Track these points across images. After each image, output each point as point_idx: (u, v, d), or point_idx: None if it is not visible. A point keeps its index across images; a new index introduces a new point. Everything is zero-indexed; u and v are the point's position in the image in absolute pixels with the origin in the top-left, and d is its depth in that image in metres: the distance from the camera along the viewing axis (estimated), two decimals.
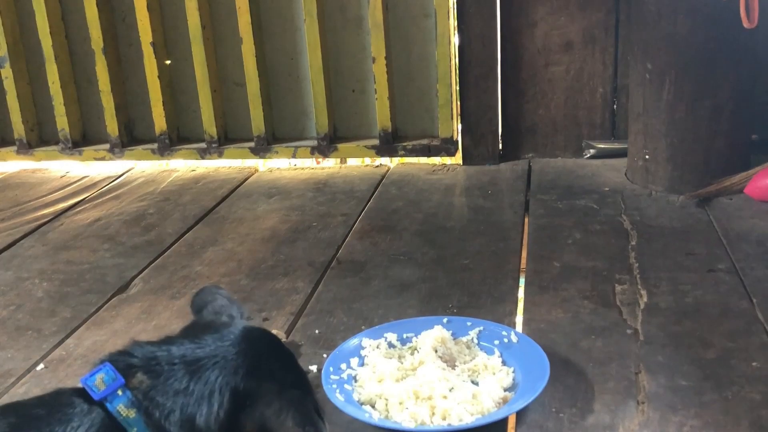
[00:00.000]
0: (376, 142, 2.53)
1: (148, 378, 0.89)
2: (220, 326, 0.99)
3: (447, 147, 2.49)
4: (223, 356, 0.92)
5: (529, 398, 1.19)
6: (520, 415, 1.21)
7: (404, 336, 1.40)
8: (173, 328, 1.55)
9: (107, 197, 2.41)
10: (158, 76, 2.57)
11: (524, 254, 1.83)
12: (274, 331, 1.44)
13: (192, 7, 2.48)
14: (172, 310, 1.64)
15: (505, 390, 1.24)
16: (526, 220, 2.03)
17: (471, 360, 1.33)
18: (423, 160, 2.58)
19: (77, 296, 1.74)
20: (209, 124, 2.59)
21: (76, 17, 2.61)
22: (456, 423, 1.16)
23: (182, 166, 2.69)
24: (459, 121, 2.49)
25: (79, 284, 1.80)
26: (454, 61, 2.46)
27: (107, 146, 2.68)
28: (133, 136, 2.72)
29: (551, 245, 1.84)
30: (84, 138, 2.75)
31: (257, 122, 2.56)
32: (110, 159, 2.68)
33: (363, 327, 1.49)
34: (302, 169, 2.62)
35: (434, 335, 1.36)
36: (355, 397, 1.25)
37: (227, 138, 2.66)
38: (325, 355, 1.37)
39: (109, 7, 2.60)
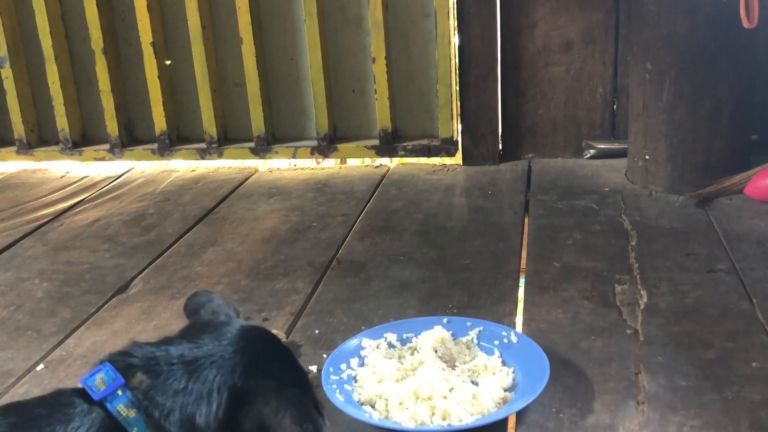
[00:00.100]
0: (376, 142, 2.53)
1: (147, 378, 0.89)
2: (219, 326, 0.99)
3: (447, 147, 2.49)
4: (220, 355, 0.92)
5: (529, 398, 1.19)
6: (520, 415, 1.21)
7: (404, 336, 1.40)
8: (173, 328, 1.55)
9: (107, 197, 2.41)
10: (158, 77, 2.57)
11: (524, 254, 1.83)
12: (273, 331, 1.44)
13: (192, 8, 2.48)
14: (172, 311, 1.64)
15: (505, 390, 1.24)
16: (526, 220, 2.03)
17: (471, 360, 1.33)
18: (423, 160, 2.58)
19: (77, 296, 1.74)
20: (209, 125, 2.59)
21: (76, 17, 2.61)
22: (456, 423, 1.16)
23: (182, 167, 2.69)
24: (459, 121, 2.49)
25: (79, 284, 1.80)
26: (454, 61, 2.46)
27: (107, 146, 2.68)
28: (133, 137, 2.72)
29: (551, 245, 1.84)
30: (84, 138, 2.75)
31: (257, 122, 2.56)
32: (110, 159, 2.68)
33: (363, 327, 1.49)
34: (302, 169, 2.62)
35: (434, 335, 1.36)
36: (355, 397, 1.25)
37: (227, 138, 2.66)
38: (325, 356, 1.37)
39: (109, 7, 2.59)
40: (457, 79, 2.47)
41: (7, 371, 1.43)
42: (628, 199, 2.10)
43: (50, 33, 2.59)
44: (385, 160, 2.62)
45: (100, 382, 0.87)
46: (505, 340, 1.37)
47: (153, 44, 2.53)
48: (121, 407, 0.86)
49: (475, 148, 2.49)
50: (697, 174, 2.08)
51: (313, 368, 1.35)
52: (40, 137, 2.78)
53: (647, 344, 1.39)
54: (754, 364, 1.31)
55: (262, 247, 1.95)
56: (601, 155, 2.43)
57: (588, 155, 2.45)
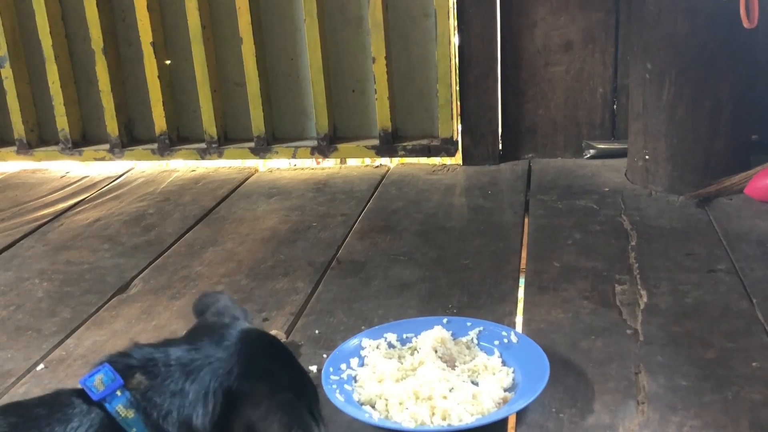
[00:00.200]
0: (376, 142, 2.53)
1: (146, 379, 0.89)
2: (220, 328, 0.99)
3: (447, 147, 2.49)
4: (218, 358, 0.92)
5: (529, 398, 1.19)
6: (520, 415, 1.21)
7: (404, 336, 1.40)
8: (173, 328, 1.56)
9: (107, 197, 2.41)
10: (158, 76, 2.57)
11: (524, 254, 1.83)
12: (273, 332, 1.45)
13: (192, 7, 2.48)
14: (172, 311, 1.64)
15: (505, 390, 1.24)
16: (526, 220, 2.03)
17: (471, 360, 1.33)
18: (423, 160, 2.58)
19: (77, 296, 1.74)
20: (209, 125, 2.59)
21: (76, 17, 2.61)
22: (456, 423, 1.16)
23: (182, 167, 2.69)
24: (459, 121, 2.49)
25: (79, 284, 1.80)
26: (454, 61, 2.46)
27: (107, 146, 2.68)
28: (133, 137, 2.72)
29: (551, 245, 1.84)
30: (84, 138, 2.75)
31: (257, 122, 2.56)
32: (110, 159, 2.68)
33: (363, 327, 1.49)
34: (302, 169, 2.62)
35: (434, 335, 1.36)
36: (355, 397, 1.25)
37: (227, 138, 2.66)
38: (325, 356, 1.37)
39: (109, 7, 2.60)
40: (457, 79, 2.47)
41: (7, 371, 1.43)
42: (628, 199, 2.10)
43: (50, 33, 2.59)
44: (385, 160, 2.62)
45: (99, 382, 0.88)
46: (505, 340, 1.37)
47: (153, 44, 2.53)
48: (120, 408, 0.86)
49: (475, 148, 2.49)
50: (697, 174, 2.08)
51: (313, 368, 1.35)
52: (40, 137, 2.78)
53: (647, 344, 1.39)
54: (754, 364, 1.31)
55: (262, 247, 1.95)
56: (601, 155, 2.43)
57: (588, 155, 2.45)
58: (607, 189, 2.18)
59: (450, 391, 1.23)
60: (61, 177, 2.65)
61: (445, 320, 1.42)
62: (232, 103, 2.63)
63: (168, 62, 2.61)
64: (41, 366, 1.44)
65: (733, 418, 1.18)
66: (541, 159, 2.49)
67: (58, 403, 0.89)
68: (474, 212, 2.11)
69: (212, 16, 2.55)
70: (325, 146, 2.54)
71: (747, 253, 1.72)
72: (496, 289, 1.65)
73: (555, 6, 2.37)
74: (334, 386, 1.25)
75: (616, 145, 2.41)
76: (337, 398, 1.22)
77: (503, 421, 1.19)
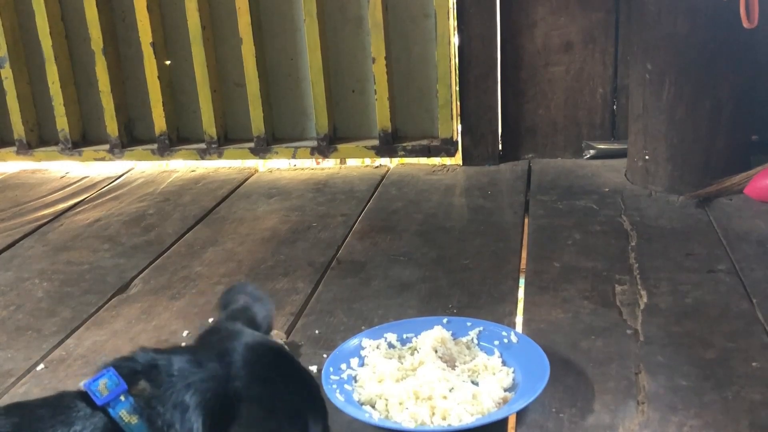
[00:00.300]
0: (375, 142, 2.53)
1: (150, 386, 0.88)
2: (228, 339, 0.96)
3: (447, 147, 2.49)
4: (219, 375, 0.90)
5: (529, 398, 1.19)
6: (520, 415, 1.21)
7: (404, 336, 1.40)
8: (173, 328, 1.56)
9: (107, 198, 2.41)
10: (158, 77, 2.57)
11: (524, 255, 1.83)
12: (273, 332, 1.44)
13: (192, 8, 2.48)
14: (172, 311, 1.64)
15: (505, 390, 1.24)
16: (526, 220, 2.03)
17: (471, 360, 1.33)
18: (423, 160, 2.58)
19: (77, 296, 1.74)
20: (209, 125, 2.59)
21: (76, 18, 2.61)
22: (456, 423, 1.16)
23: (182, 167, 2.69)
24: (459, 121, 2.49)
25: (79, 284, 1.80)
26: (454, 61, 2.46)
27: (107, 147, 2.68)
28: (133, 137, 2.72)
29: (551, 246, 1.84)
30: (84, 138, 2.75)
31: (257, 123, 2.56)
32: (110, 159, 2.68)
33: (363, 327, 1.49)
34: (302, 169, 2.62)
35: (434, 335, 1.36)
36: (355, 397, 1.25)
37: (227, 138, 2.66)
38: (325, 356, 1.37)
39: (109, 8, 2.60)
40: (457, 80, 2.47)
41: (7, 371, 1.43)
42: (628, 199, 2.10)
43: (50, 33, 2.59)
44: (385, 161, 2.62)
45: (103, 387, 0.87)
46: (505, 340, 1.37)
47: (153, 44, 2.53)
48: (124, 413, 0.86)
49: (475, 149, 2.49)
50: (697, 174, 2.08)
51: (314, 368, 1.35)
52: (40, 137, 2.78)
53: (647, 344, 1.39)
54: (754, 364, 1.31)
55: (262, 247, 1.95)
56: (601, 155, 2.43)
57: (588, 155, 2.45)
58: (607, 189, 2.18)
59: (450, 391, 1.23)
60: (61, 177, 2.65)
61: (445, 320, 1.43)
62: (232, 104, 2.63)
63: (168, 62, 2.61)
64: (41, 366, 1.45)
65: (733, 418, 1.18)
66: (541, 159, 2.49)
67: (61, 405, 0.89)
68: (474, 212, 2.11)
69: (212, 17, 2.55)
70: (325, 146, 2.54)
71: (747, 253, 1.72)
72: (496, 289, 1.65)
73: (555, 6, 2.37)
74: (334, 386, 1.25)
75: (616, 146, 2.41)
76: (338, 398, 1.22)
77: (503, 421, 1.20)
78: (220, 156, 2.62)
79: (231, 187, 2.43)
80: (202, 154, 2.62)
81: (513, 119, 2.49)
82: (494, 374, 1.28)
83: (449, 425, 1.16)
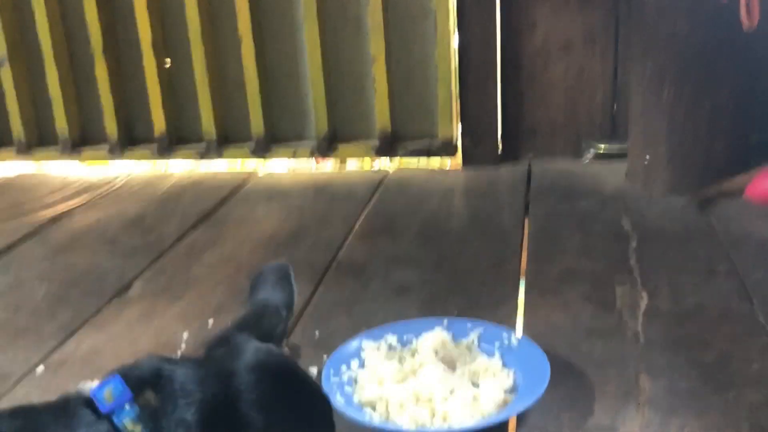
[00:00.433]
0: (375, 143, 2.52)
1: (155, 398, 0.87)
2: (237, 354, 0.94)
3: (446, 148, 2.48)
4: (217, 395, 0.88)
5: (529, 401, 1.19)
6: (521, 417, 1.21)
7: (404, 338, 1.40)
8: (173, 330, 1.56)
9: (106, 199, 2.41)
10: (158, 77, 2.57)
11: (524, 256, 1.83)
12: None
13: (192, 8, 2.48)
14: (172, 313, 1.63)
15: (506, 392, 1.24)
16: (526, 222, 2.02)
17: (471, 362, 1.33)
18: (423, 161, 2.58)
19: (77, 298, 1.73)
20: (208, 125, 2.59)
21: (75, 18, 2.61)
22: (456, 425, 1.16)
23: (182, 169, 2.69)
24: (458, 122, 2.49)
25: (78, 286, 1.80)
26: (454, 61, 2.46)
27: (107, 147, 2.68)
28: (132, 137, 2.72)
29: (551, 247, 1.84)
30: (83, 139, 2.75)
31: (256, 123, 2.56)
32: (109, 160, 2.68)
33: (363, 329, 1.48)
34: (302, 170, 2.62)
35: (434, 337, 1.36)
36: (355, 399, 1.25)
37: (227, 139, 2.65)
38: (325, 357, 1.37)
39: (109, 8, 2.59)
40: (457, 80, 2.47)
41: (6, 373, 1.43)
42: (628, 201, 2.10)
43: (50, 33, 2.59)
44: (384, 161, 2.62)
45: (108, 395, 0.87)
46: (506, 342, 1.36)
47: (153, 45, 2.53)
48: (128, 422, 0.86)
49: (475, 149, 2.48)
50: (697, 176, 2.08)
51: (314, 370, 1.35)
52: (39, 138, 2.78)
53: (648, 346, 1.38)
54: (754, 366, 1.31)
55: (262, 249, 1.95)
56: (601, 157, 2.43)
57: (588, 157, 2.45)
58: (607, 191, 2.18)
59: (450, 393, 1.22)
60: (61, 179, 2.65)
61: (445, 322, 1.42)
62: (232, 104, 2.62)
63: (167, 63, 2.60)
64: (41, 368, 1.44)
65: (734, 420, 1.18)
66: (540, 160, 2.49)
67: (65, 411, 0.88)
68: (474, 214, 2.11)
69: (212, 17, 2.54)
70: (325, 147, 2.54)
71: (748, 255, 1.72)
72: (496, 291, 1.64)
73: (555, 6, 2.37)
74: (335, 388, 1.25)
75: (616, 147, 2.40)
76: (338, 400, 1.22)
77: (504, 424, 1.19)
78: (219, 156, 2.61)
79: (231, 189, 2.43)
80: (202, 155, 2.62)
81: (513, 120, 2.49)
82: (495, 376, 1.28)
83: (450, 427, 1.16)
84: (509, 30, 2.41)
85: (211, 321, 1.57)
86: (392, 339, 1.40)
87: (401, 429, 1.16)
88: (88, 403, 0.88)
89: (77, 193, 2.47)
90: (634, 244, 1.82)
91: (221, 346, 0.96)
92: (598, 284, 1.63)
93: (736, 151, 2.09)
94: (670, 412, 1.20)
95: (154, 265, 1.89)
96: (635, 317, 1.49)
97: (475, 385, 1.27)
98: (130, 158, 2.68)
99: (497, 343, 1.37)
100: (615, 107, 2.42)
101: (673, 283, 1.61)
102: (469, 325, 1.42)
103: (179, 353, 1.46)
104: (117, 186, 2.53)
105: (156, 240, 2.05)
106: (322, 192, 2.36)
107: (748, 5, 1.75)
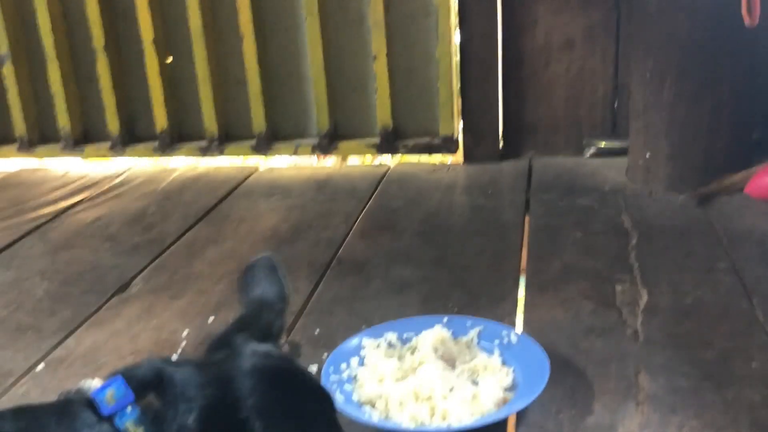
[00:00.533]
0: (376, 140, 2.53)
1: (156, 400, 0.87)
2: (237, 357, 0.94)
3: (448, 145, 2.48)
4: (217, 400, 0.88)
5: (529, 399, 1.19)
6: (520, 415, 1.21)
7: (404, 336, 1.40)
8: (173, 328, 1.56)
9: (108, 196, 2.41)
10: (159, 74, 2.57)
11: (524, 254, 1.83)
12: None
13: (193, 5, 2.48)
14: (172, 310, 1.64)
15: (505, 390, 1.24)
16: (527, 219, 2.03)
17: (471, 360, 1.33)
18: (424, 158, 2.58)
19: (77, 296, 1.74)
20: (210, 122, 2.59)
21: (77, 15, 2.61)
22: (456, 423, 1.16)
23: (183, 165, 2.69)
24: (460, 119, 2.49)
25: (79, 284, 1.80)
26: (455, 59, 2.46)
27: (108, 144, 2.69)
28: (134, 134, 2.72)
29: (551, 245, 1.84)
30: (85, 136, 2.75)
31: (258, 120, 2.56)
32: (111, 157, 2.68)
33: (363, 327, 1.48)
34: (303, 167, 2.62)
35: (434, 335, 1.36)
36: (355, 397, 1.25)
37: (228, 136, 2.65)
38: (325, 355, 1.37)
39: (111, 5, 2.59)
40: (458, 77, 2.47)
41: (7, 371, 1.43)
42: (628, 198, 2.10)
43: (52, 31, 2.59)
44: (385, 158, 2.62)
45: (110, 397, 0.87)
46: (505, 340, 1.37)
47: (154, 42, 2.53)
48: (130, 424, 0.86)
49: (476, 147, 2.48)
50: (698, 173, 2.08)
51: (314, 368, 1.35)
52: (41, 135, 2.78)
53: (647, 344, 1.39)
54: (753, 364, 1.31)
55: (262, 245, 1.95)
56: (602, 154, 2.43)
57: (589, 154, 2.45)
58: (607, 188, 2.18)
59: (450, 390, 1.23)
60: (62, 175, 2.65)
61: (445, 319, 1.42)
62: (233, 101, 2.62)
63: (169, 60, 2.60)
64: (41, 366, 1.45)
65: (733, 419, 1.18)
66: (541, 157, 2.49)
67: (68, 412, 0.88)
68: (474, 211, 2.11)
69: (213, 14, 2.54)
70: (326, 144, 2.54)
71: (747, 253, 1.72)
72: (497, 288, 1.65)
73: (556, 4, 2.37)
74: (335, 386, 1.25)
75: (616, 144, 2.40)
76: (337, 398, 1.22)
77: (503, 422, 1.20)
78: (221, 154, 2.62)
79: (232, 186, 2.43)
80: (203, 152, 2.62)
81: (514, 117, 2.49)
82: (494, 374, 1.28)
83: (449, 425, 1.16)
84: (510, 27, 2.41)
85: (211, 318, 1.57)
86: (392, 337, 1.40)
87: (401, 427, 1.17)
88: (90, 404, 0.88)
89: (78, 190, 2.48)
90: (634, 241, 1.82)
91: (220, 348, 0.96)
92: (598, 281, 1.63)
93: (737, 148, 2.09)
94: (670, 410, 1.20)
95: (154, 262, 1.90)
96: (635, 315, 1.49)
97: (475, 383, 1.27)
98: (132, 155, 2.68)
99: (497, 341, 1.37)
100: (616, 104, 2.42)
101: (672, 281, 1.61)
102: (468, 322, 1.42)
103: (180, 351, 1.46)
104: (118, 182, 2.53)
105: (157, 237, 2.05)
106: (323, 188, 2.36)
107: (749, 3, 1.75)
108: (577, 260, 1.74)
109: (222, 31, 2.56)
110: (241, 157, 2.67)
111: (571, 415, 1.21)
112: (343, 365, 1.32)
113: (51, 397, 0.95)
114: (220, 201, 2.31)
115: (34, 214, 2.28)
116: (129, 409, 0.86)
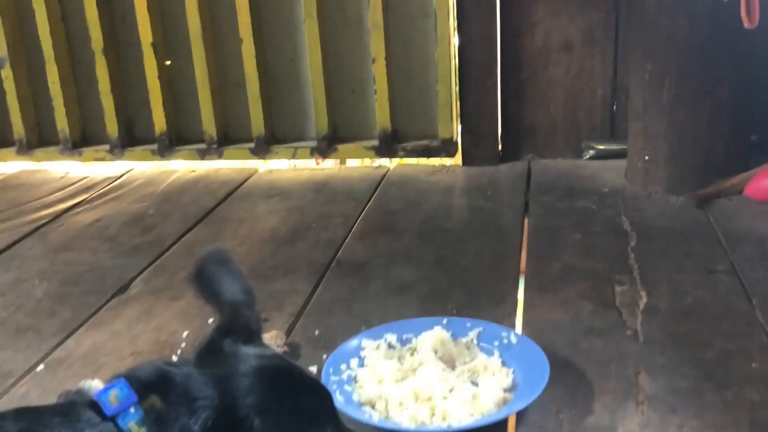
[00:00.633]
0: (375, 142, 2.53)
1: (160, 402, 0.87)
2: (232, 360, 0.94)
3: (447, 148, 2.49)
4: (217, 403, 0.88)
5: (528, 399, 1.19)
6: (520, 416, 1.21)
7: (404, 337, 1.40)
8: (173, 329, 1.56)
9: (107, 198, 2.41)
10: (158, 77, 2.57)
11: (524, 255, 1.83)
12: (273, 332, 1.44)
13: (192, 8, 2.48)
14: (172, 311, 1.64)
15: (505, 391, 1.24)
16: (526, 221, 2.03)
17: (471, 361, 1.33)
18: (423, 160, 2.58)
19: (77, 297, 1.74)
20: (209, 125, 2.59)
21: (76, 18, 2.61)
22: (456, 424, 1.16)
23: (182, 167, 2.69)
24: (459, 121, 2.49)
25: (79, 285, 1.80)
26: (454, 61, 2.46)
27: (107, 147, 2.68)
28: (133, 137, 2.72)
29: (551, 246, 1.84)
30: (84, 139, 2.75)
31: (257, 123, 2.56)
32: (110, 160, 2.68)
33: (363, 328, 1.48)
34: (302, 169, 2.62)
35: (434, 336, 1.36)
36: (355, 397, 1.25)
37: (227, 139, 2.65)
38: (324, 356, 1.37)
39: (110, 8, 2.59)
40: (457, 80, 2.47)
41: (7, 372, 1.43)
42: (627, 199, 2.10)
43: (50, 33, 2.59)
44: (384, 161, 2.62)
45: (113, 397, 0.87)
46: (505, 341, 1.37)
47: (153, 45, 2.53)
48: (133, 425, 0.86)
49: (475, 149, 2.48)
50: (697, 175, 2.08)
51: (313, 368, 1.35)
52: (40, 138, 2.78)
53: (647, 345, 1.39)
54: (753, 364, 1.31)
55: (262, 247, 1.95)
56: (601, 156, 2.43)
57: (588, 156, 2.45)
58: (606, 190, 2.18)
59: (450, 391, 1.23)
60: (61, 177, 2.65)
61: (444, 321, 1.42)
62: (232, 104, 2.62)
63: (168, 63, 2.61)
64: (41, 367, 1.44)
65: (733, 419, 1.18)
66: (540, 159, 2.49)
67: (71, 413, 0.89)
68: (474, 213, 2.11)
69: (212, 17, 2.55)
70: (325, 147, 2.54)
71: (746, 254, 1.72)
72: (496, 289, 1.65)
73: (555, 6, 2.37)
74: (334, 387, 1.25)
75: (615, 146, 2.40)
76: (337, 399, 1.22)
77: (503, 422, 1.20)
78: (220, 156, 2.62)
79: (231, 188, 2.43)
80: (202, 155, 2.62)
81: (513, 119, 2.49)
82: (494, 375, 1.28)
83: (449, 426, 1.16)
84: (509, 29, 2.41)
85: (211, 320, 1.57)
86: (392, 338, 1.40)
87: (401, 427, 1.17)
88: (93, 405, 0.88)
89: (78, 193, 2.48)
90: (633, 242, 1.82)
91: (210, 355, 0.96)
92: (598, 283, 1.63)
93: (736, 150, 2.10)
94: (670, 410, 1.20)
95: (154, 263, 1.90)
96: (634, 316, 1.49)
97: (475, 383, 1.27)
98: (131, 158, 2.68)
99: (496, 342, 1.37)
100: (615, 106, 2.42)
101: (672, 282, 1.62)
102: (468, 323, 1.42)
103: (179, 352, 1.46)
104: (117, 185, 2.53)
105: (156, 238, 2.05)
106: (322, 190, 2.36)
107: (748, 5, 1.75)
108: (577, 261, 1.74)
109: (221, 33, 2.56)
110: (240, 160, 2.67)
111: (571, 415, 1.21)
112: (343, 366, 1.32)
113: (51, 397, 0.95)
114: (220, 203, 2.31)
115: (33, 216, 2.28)
116: (132, 409, 0.86)
